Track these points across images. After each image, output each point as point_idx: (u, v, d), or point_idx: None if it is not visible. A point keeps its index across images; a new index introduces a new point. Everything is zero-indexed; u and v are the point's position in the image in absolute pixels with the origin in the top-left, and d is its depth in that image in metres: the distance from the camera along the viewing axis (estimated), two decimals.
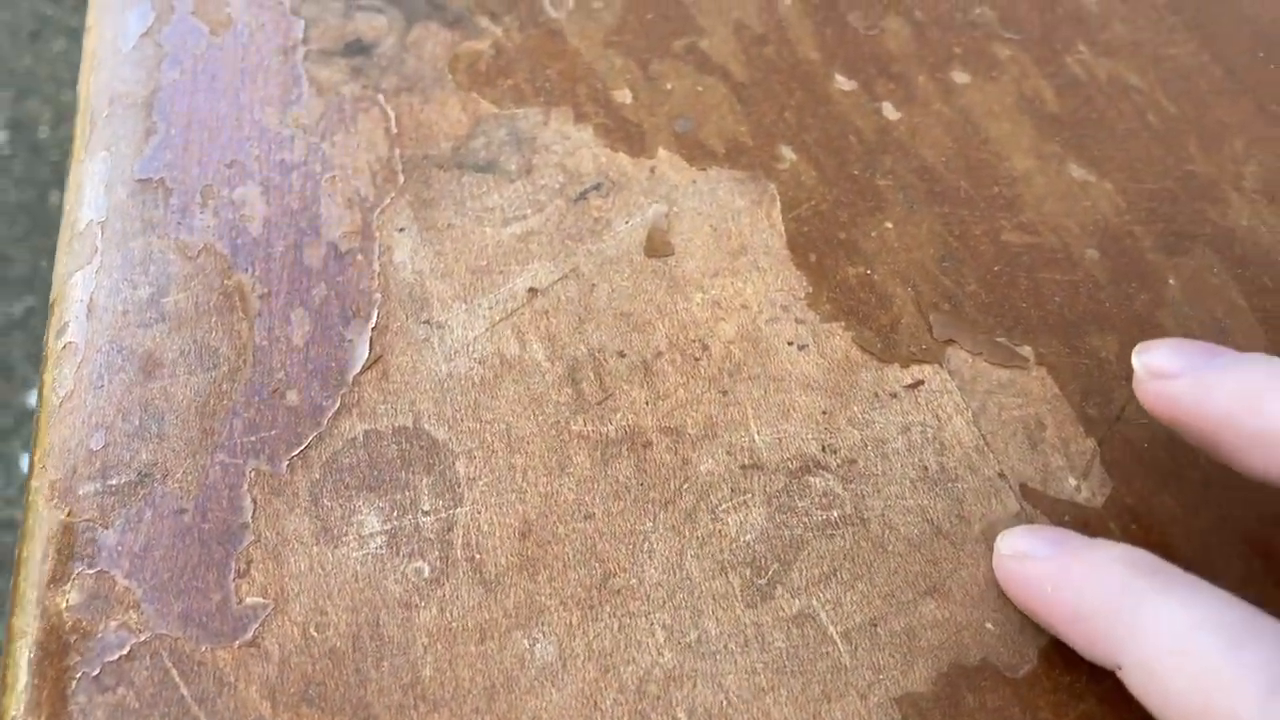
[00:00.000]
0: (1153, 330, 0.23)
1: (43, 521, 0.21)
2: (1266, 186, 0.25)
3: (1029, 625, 0.19)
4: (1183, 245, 0.24)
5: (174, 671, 0.19)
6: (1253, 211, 0.25)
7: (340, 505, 0.21)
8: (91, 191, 0.27)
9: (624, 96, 0.28)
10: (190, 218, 0.26)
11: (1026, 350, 0.22)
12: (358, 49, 0.30)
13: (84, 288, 0.25)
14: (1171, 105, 0.27)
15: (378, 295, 0.24)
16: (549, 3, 0.31)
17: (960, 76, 0.28)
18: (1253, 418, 0.17)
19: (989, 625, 0.19)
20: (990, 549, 0.20)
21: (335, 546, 0.20)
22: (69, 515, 0.21)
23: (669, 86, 0.28)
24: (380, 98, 0.29)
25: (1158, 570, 0.16)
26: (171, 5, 0.31)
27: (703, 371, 0.22)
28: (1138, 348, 0.19)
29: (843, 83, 0.28)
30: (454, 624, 0.19)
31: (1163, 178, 0.25)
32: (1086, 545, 0.17)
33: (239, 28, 0.31)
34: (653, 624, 0.19)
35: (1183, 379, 0.18)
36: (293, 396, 0.22)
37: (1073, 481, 0.20)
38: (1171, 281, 0.23)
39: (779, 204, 0.25)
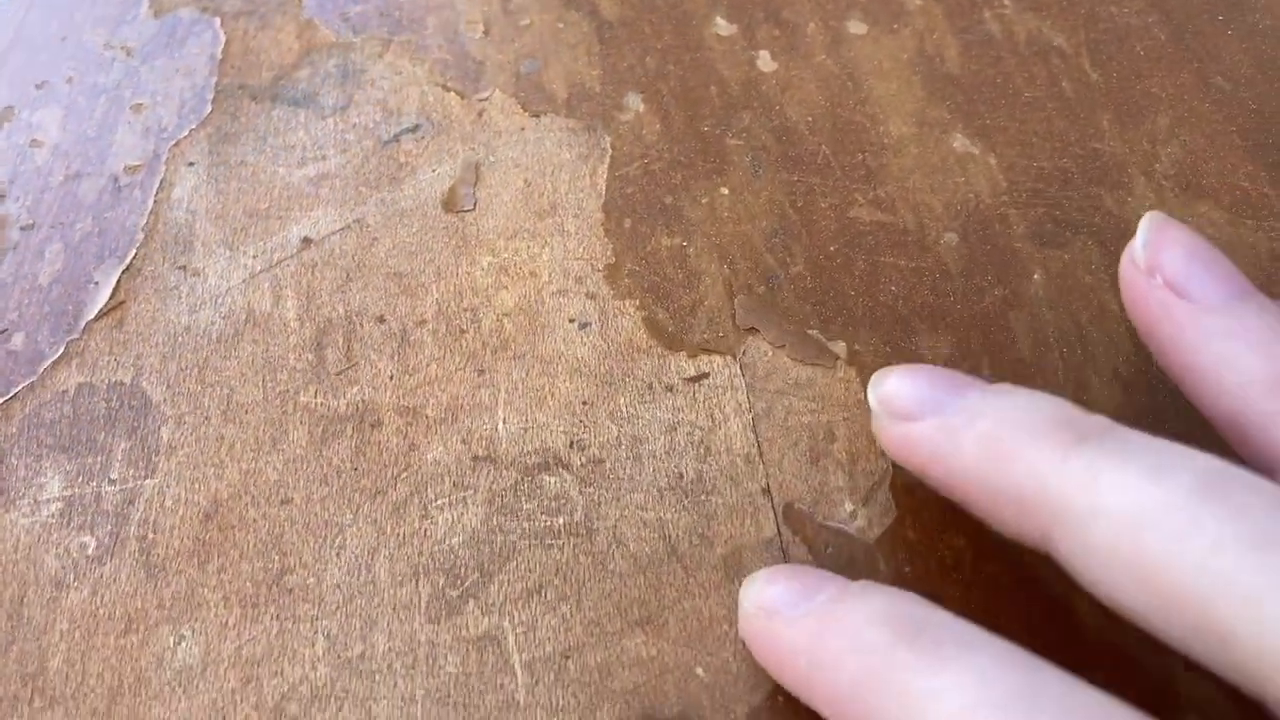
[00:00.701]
0: (997, 332, 0.19)
1: None
2: (1182, 172, 0.21)
3: (745, 677, 0.16)
4: (1062, 236, 0.20)
5: None
6: (1158, 200, 0.21)
7: (26, 465, 0.18)
8: None
9: (475, 30, 0.25)
10: None
11: (840, 346, 0.19)
12: None
13: None
14: (1095, 72, 0.23)
15: (140, 235, 0.22)
16: None
17: (856, 26, 0.25)
18: (1003, 473, 0.14)
19: (699, 671, 0.16)
20: (729, 577, 0.16)
21: (6, 510, 0.18)
22: None
23: (527, 21, 0.25)
24: (217, 21, 0.26)
25: (922, 629, 0.13)
26: None
27: (464, 346, 0.19)
28: (874, 377, 0.16)
29: (722, 26, 0.25)
30: (101, 610, 0.17)
31: (1059, 155, 0.21)
32: (842, 599, 0.14)
33: None
34: (316, 631, 0.16)
35: (924, 422, 0.15)
36: (18, 340, 0.20)
37: (849, 506, 0.17)
38: (1037, 277, 0.20)
39: (609, 160, 0.22)
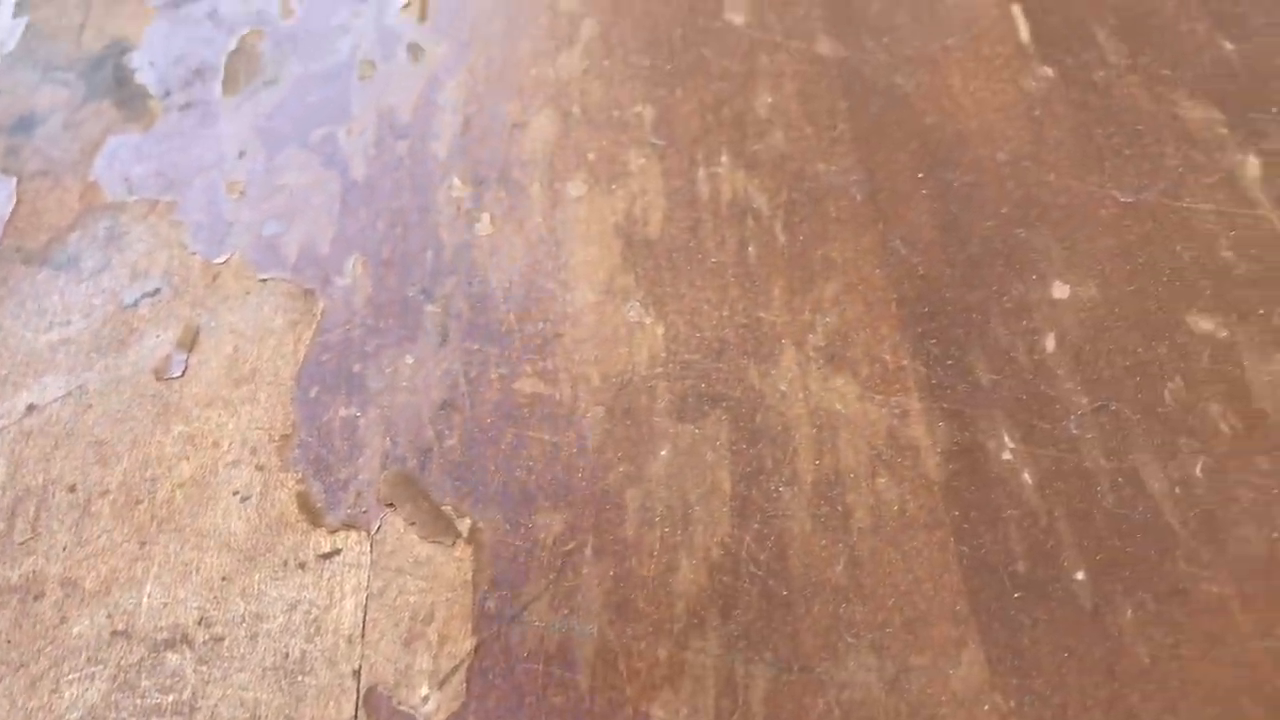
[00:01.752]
0: (610, 510, 0.20)
1: None
2: (832, 343, 0.22)
3: None
4: (700, 409, 0.21)
5: None
6: (801, 373, 0.22)
7: None
8: None
9: (234, 192, 0.27)
10: None
11: (465, 524, 0.20)
12: (26, 125, 0.30)
13: None
14: (784, 235, 0.24)
15: None
16: (222, 80, 0.30)
17: (577, 188, 0.26)
18: None
19: None
20: None
21: None
22: None
23: (283, 182, 0.27)
24: (14, 182, 0.28)
25: None
26: None
27: (136, 518, 0.21)
28: None
29: (456, 187, 0.27)
30: None
31: (723, 325, 0.23)
32: None
33: None
34: None
35: None
36: None
37: (424, 690, 0.18)
38: (663, 453, 0.21)
39: (315, 325, 0.24)
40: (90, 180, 0.28)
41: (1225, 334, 0.21)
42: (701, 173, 0.26)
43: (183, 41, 0.31)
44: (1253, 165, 0.24)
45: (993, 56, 0.27)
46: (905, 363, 0.22)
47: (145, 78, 0.31)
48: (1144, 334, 0.21)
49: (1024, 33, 0.27)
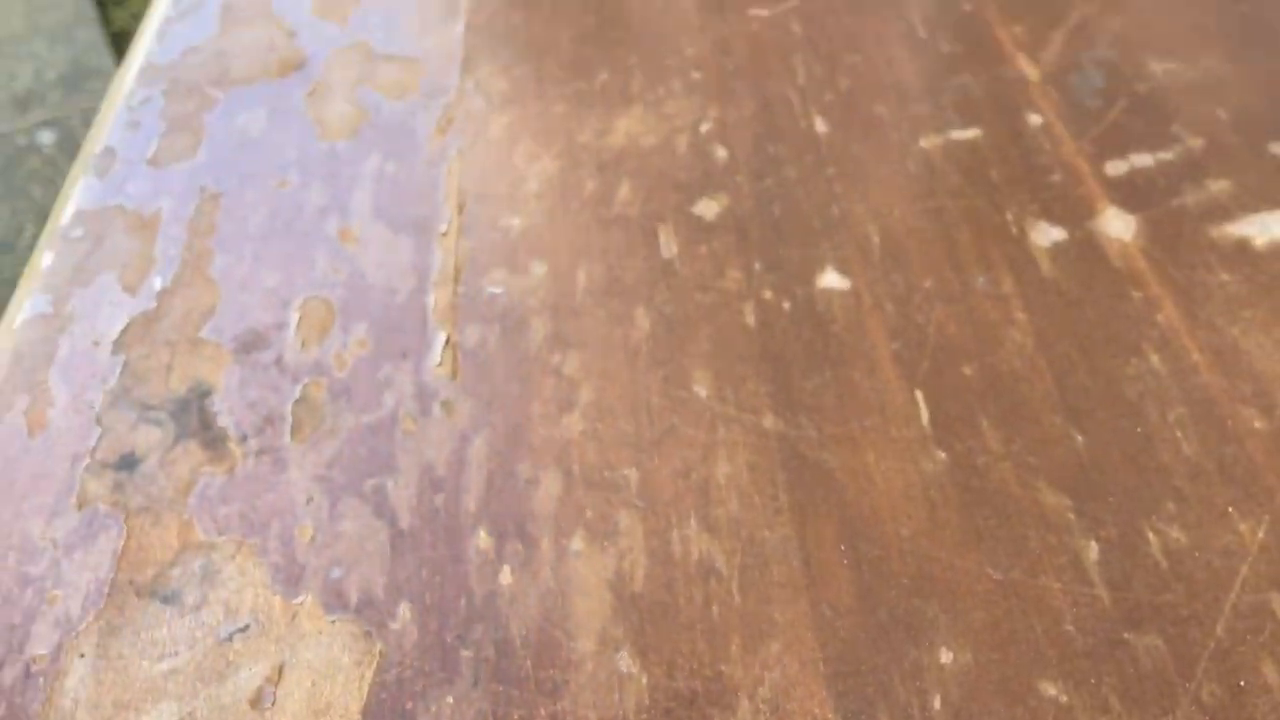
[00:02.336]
0: None
1: None
2: (775, 698, 0.29)
3: None
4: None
5: None
6: (747, 698, 0.29)
7: None
8: None
9: (305, 534, 0.34)
10: None
11: None
12: (128, 463, 0.37)
13: None
14: (739, 595, 0.32)
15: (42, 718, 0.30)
16: (291, 427, 0.38)
17: (577, 544, 0.33)
18: None
19: None
20: None
21: None
22: None
23: (343, 527, 0.34)
24: (122, 517, 0.35)
25: None
26: (12, 403, 0.39)
27: None
28: None
29: (482, 539, 0.34)
30: None
31: (693, 676, 0.30)
32: None
33: (51, 430, 0.38)
34: None
35: None
36: None
37: None
38: None
39: (375, 665, 0.31)
40: (186, 518, 0.35)
41: (1065, 699, 0.29)
42: (675, 534, 0.34)
43: (255, 388, 0.39)
44: (1093, 549, 0.32)
45: (899, 438, 0.35)
46: (830, 717, 0.29)
47: (225, 421, 0.38)
48: (1005, 698, 0.29)
49: (925, 417, 0.36)
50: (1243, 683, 0.28)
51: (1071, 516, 0.32)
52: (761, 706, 0.29)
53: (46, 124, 2.27)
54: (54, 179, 2.16)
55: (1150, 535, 0.32)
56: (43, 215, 2.02)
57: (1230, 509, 0.32)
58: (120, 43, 2.46)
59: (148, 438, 0.37)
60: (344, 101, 0.52)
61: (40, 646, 0.32)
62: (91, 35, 2.50)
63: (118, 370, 0.39)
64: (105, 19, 2.54)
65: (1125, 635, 0.30)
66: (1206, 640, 0.29)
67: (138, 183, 0.48)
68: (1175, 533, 0.32)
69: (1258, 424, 0.34)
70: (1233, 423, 0.34)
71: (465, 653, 0.31)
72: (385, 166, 0.48)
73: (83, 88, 2.36)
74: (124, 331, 0.41)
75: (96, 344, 0.41)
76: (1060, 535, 0.32)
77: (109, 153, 0.50)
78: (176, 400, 0.38)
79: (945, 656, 0.30)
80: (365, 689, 0.30)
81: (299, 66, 0.55)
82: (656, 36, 0.55)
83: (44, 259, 0.45)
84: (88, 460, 0.37)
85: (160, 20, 0.60)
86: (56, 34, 2.50)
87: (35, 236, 1.90)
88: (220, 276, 0.43)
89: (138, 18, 2.53)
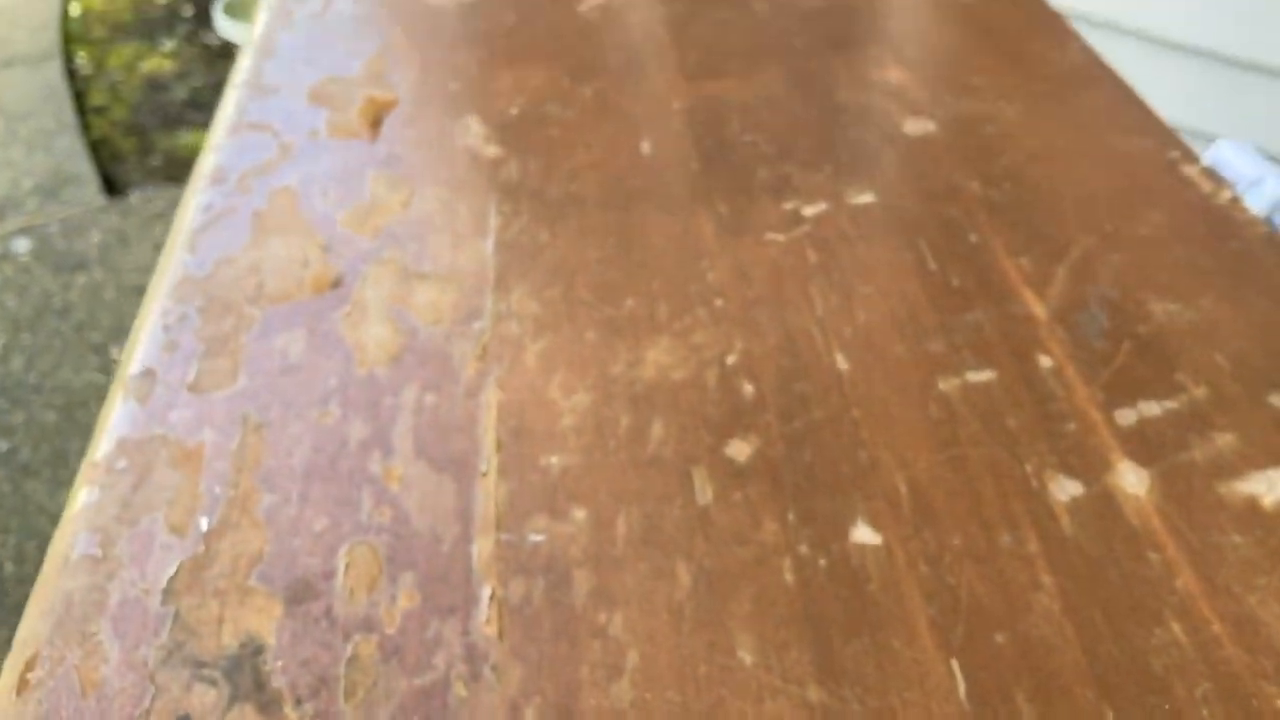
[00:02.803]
0: None
1: None
2: None
3: None
4: None
5: None
6: None
7: None
8: None
9: None
10: None
11: None
12: None
13: None
14: None
15: None
16: (345, 690, 0.38)
17: None
18: None
19: None
20: None
21: None
22: None
23: None
24: None
25: None
26: (63, 656, 0.40)
27: None
28: None
29: None
30: None
31: None
32: None
33: (105, 689, 0.39)
34: None
35: None
36: None
37: None
38: None
39: None
40: None
41: None
42: None
43: (307, 644, 0.40)
44: None
45: (939, 715, 0.37)
46: None
47: (279, 682, 0.39)
48: None
49: (962, 690, 0.37)
50: None
51: None
52: None
53: (22, 232, 2.28)
54: (28, 287, 2.16)
55: None
56: (16, 324, 2.02)
57: None
58: (100, 150, 2.49)
59: (203, 700, 0.38)
60: (381, 324, 0.54)
61: None
62: (71, 143, 2.53)
63: (169, 623, 0.40)
64: (84, 126, 2.57)
65: None
66: None
67: (179, 411, 0.50)
68: None
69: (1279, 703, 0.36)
70: (1257, 701, 0.36)
71: None
72: (425, 398, 0.50)
73: (60, 196, 2.38)
74: (173, 579, 0.42)
75: (146, 592, 0.42)
76: None
77: (148, 375, 0.52)
78: (230, 658, 0.39)
79: None
80: None
81: (334, 284, 0.57)
82: (677, 260, 0.58)
83: (87, 494, 0.46)
84: None
85: (190, 230, 0.62)
86: (35, 141, 2.53)
87: (7, 346, 1.89)
88: (267, 518, 0.44)
89: (117, 125, 2.56)
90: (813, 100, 0.71)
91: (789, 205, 0.61)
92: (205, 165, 0.68)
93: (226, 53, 2.97)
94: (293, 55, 0.79)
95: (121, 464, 0.47)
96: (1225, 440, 0.45)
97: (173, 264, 0.60)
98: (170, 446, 0.48)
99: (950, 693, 0.37)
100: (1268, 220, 0.50)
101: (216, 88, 2.85)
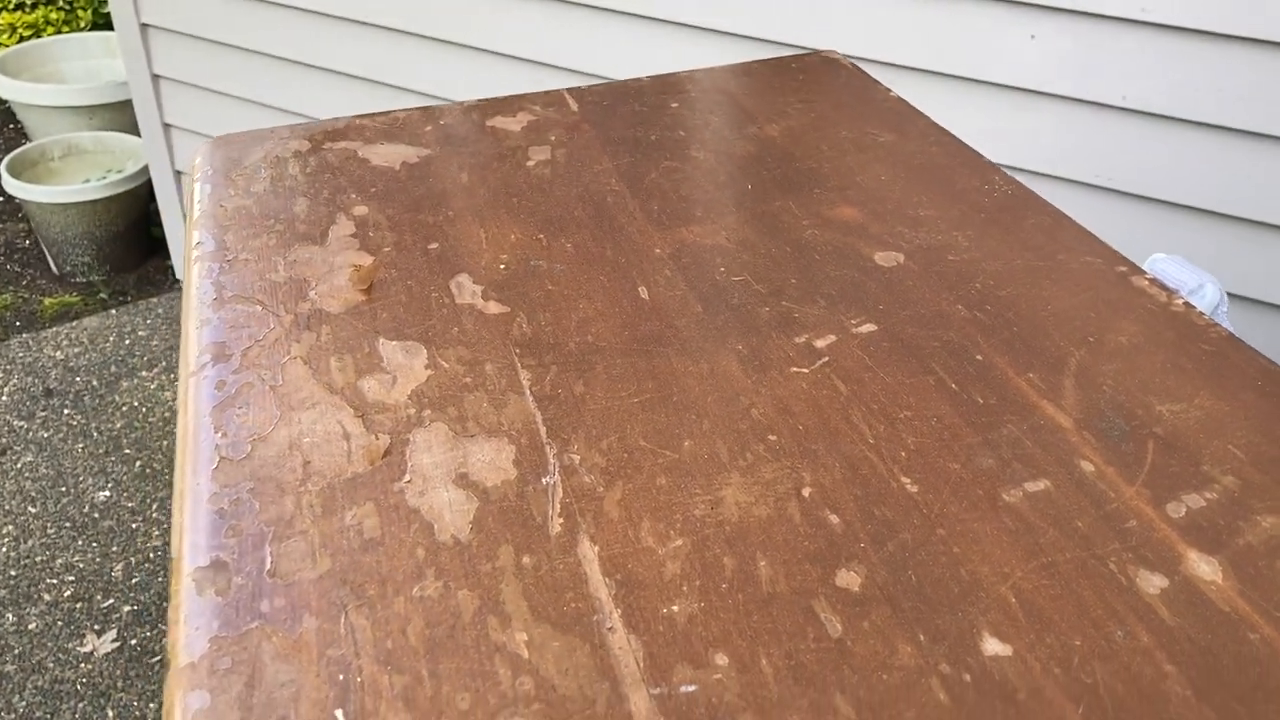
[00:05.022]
0: None
1: None
2: None
3: None
4: None
5: None
6: None
7: None
8: None
9: None
10: None
11: None
12: None
13: None
14: None
15: None
16: None
17: None
18: None
19: None
20: None
21: None
22: None
23: None
24: None
25: None
26: None
27: None
28: None
29: None
30: None
31: None
32: None
33: None
34: None
35: None
36: None
37: None
38: None
39: None
40: None
41: None
42: None
43: None
44: None
45: None
46: None
47: None
48: None
49: None
50: None
51: None
52: None
53: None
54: None
55: None
56: None
57: None
58: None
59: None
60: (448, 489, 0.54)
61: None
62: None
63: None
64: None
65: None
66: None
67: (269, 600, 0.48)
68: None
69: None
70: None
71: None
72: (522, 559, 0.50)
73: None
74: None
75: None
76: None
77: (219, 566, 0.50)
78: None
79: None
80: None
81: (385, 454, 0.56)
82: (718, 400, 0.60)
83: (195, 699, 0.44)
84: None
85: (209, 409, 0.60)
86: None
87: None
88: (406, 702, 0.44)
89: None
90: (783, 240, 0.76)
91: (800, 339, 0.65)
92: (198, 340, 0.66)
93: (11, 210, 2.85)
94: (250, 224, 0.78)
95: (225, 663, 0.46)
96: (1270, 521, 0.51)
97: (201, 446, 0.58)
98: (273, 639, 0.47)
99: None
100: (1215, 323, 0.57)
101: (5, 247, 2.72)
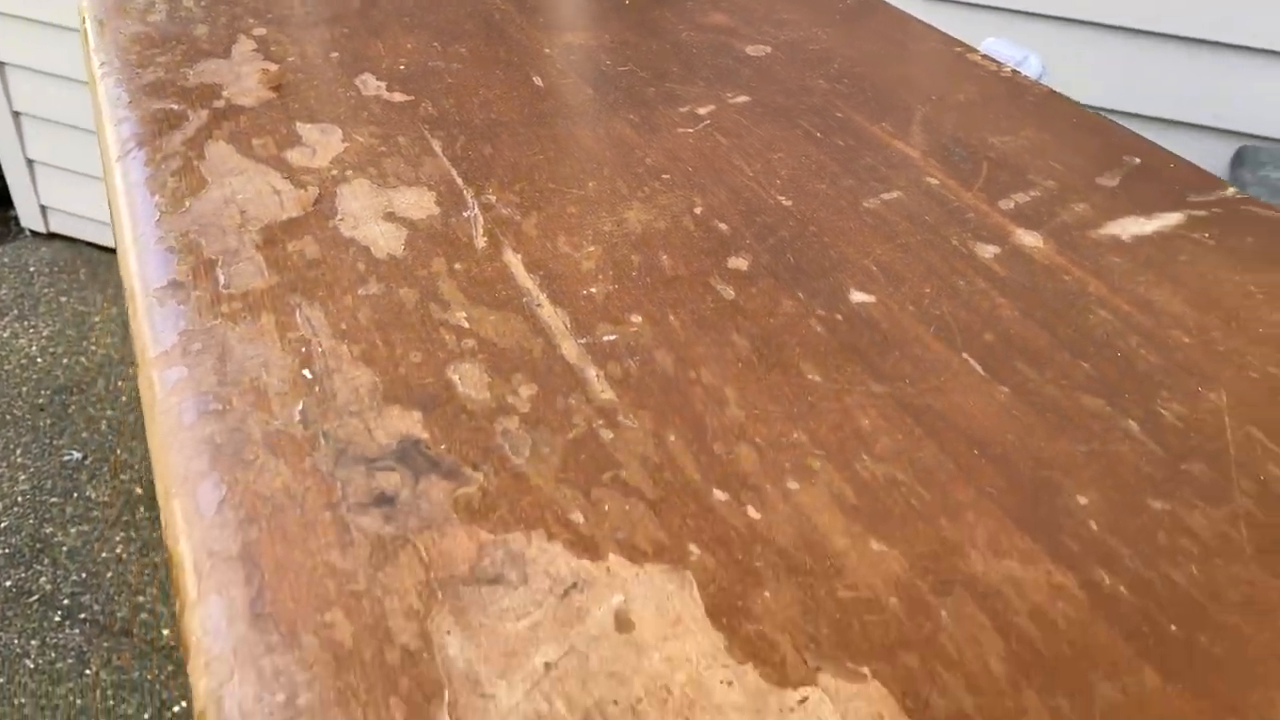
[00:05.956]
0: (907, 659, 0.37)
1: None
2: (989, 534, 0.41)
3: None
4: (946, 588, 0.39)
5: None
6: (981, 558, 0.40)
7: None
8: (214, 626, 0.38)
9: (577, 518, 0.42)
10: (295, 641, 0.37)
11: (865, 669, 0.37)
12: (384, 500, 0.43)
13: (229, 699, 0.36)
14: (925, 491, 0.43)
15: (444, 680, 0.36)
16: (511, 451, 0.45)
17: (792, 484, 0.44)
18: None
19: None
20: None
21: None
22: None
23: (606, 508, 0.43)
24: (410, 534, 0.42)
25: None
26: (236, 478, 0.44)
27: (671, 708, 0.35)
28: None
29: (719, 495, 0.43)
30: None
31: (930, 542, 0.41)
32: None
33: (293, 492, 0.43)
34: None
35: None
36: None
37: None
38: (943, 613, 0.38)
39: (694, 585, 0.39)
40: (470, 525, 0.42)
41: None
42: (858, 466, 0.45)
43: (458, 432, 0.46)
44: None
45: (957, 384, 0.49)
46: None
47: (449, 459, 0.45)
48: None
49: (979, 370, 0.49)
50: None
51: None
52: (984, 550, 0.41)
53: None
54: None
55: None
56: None
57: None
58: None
59: (389, 481, 0.44)
60: (379, 224, 0.60)
61: (405, 635, 0.38)
62: None
63: (321, 440, 0.46)
64: None
65: None
66: None
67: (228, 304, 0.54)
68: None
69: (1187, 339, 0.51)
70: (1165, 337, 0.51)
71: (758, 563, 0.40)
72: (454, 266, 0.57)
73: None
74: (304, 412, 0.47)
75: (285, 424, 0.47)
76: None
77: (177, 285, 0.56)
78: (395, 451, 0.45)
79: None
80: (699, 600, 0.39)
81: (315, 202, 0.62)
82: (615, 154, 0.68)
83: (175, 374, 0.50)
84: (345, 505, 0.43)
85: (142, 182, 0.65)
86: None
87: None
88: (366, 361, 0.50)
89: None
90: (663, 40, 0.83)
91: (684, 109, 0.73)
92: (118, 134, 0.70)
93: None
94: (152, 46, 0.82)
95: (195, 346, 0.51)
96: (1081, 208, 0.61)
97: (138, 210, 0.63)
98: (236, 328, 0.53)
99: (961, 371, 0.49)
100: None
101: None
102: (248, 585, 0.40)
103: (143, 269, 0.57)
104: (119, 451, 1.97)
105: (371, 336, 0.51)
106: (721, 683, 0.36)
